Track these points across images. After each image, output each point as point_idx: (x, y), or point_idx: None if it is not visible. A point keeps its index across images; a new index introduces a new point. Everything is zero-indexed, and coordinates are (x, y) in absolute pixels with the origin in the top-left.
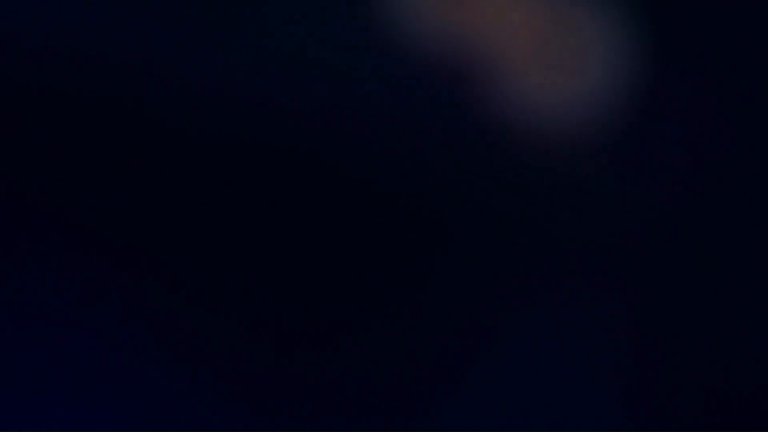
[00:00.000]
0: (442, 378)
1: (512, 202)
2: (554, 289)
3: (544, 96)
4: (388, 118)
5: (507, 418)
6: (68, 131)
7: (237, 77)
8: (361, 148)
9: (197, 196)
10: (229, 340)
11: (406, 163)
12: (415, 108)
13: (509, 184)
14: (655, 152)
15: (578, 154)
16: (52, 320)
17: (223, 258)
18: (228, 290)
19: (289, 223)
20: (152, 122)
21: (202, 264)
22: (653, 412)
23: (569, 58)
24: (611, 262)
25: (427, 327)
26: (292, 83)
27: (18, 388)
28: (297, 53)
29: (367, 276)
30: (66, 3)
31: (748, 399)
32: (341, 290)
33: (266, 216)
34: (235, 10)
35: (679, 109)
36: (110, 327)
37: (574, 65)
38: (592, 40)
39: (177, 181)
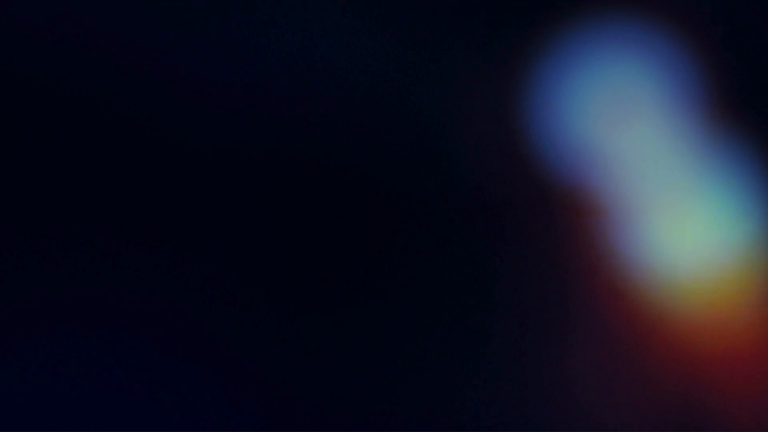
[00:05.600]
0: (440, 378)
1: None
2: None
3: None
4: (388, 119)
5: (506, 418)
6: (68, 130)
7: (242, 76)
8: (361, 151)
9: (197, 196)
10: (230, 342)
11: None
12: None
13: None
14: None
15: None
16: (52, 320)
17: (226, 256)
18: (228, 291)
19: (291, 225)
20: (151, 121)
21: (203, 263)
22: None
23: None
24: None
25: (426, 327)
26: (295, 84)
27: (18, 388)
28: (300, 54)
29: (368, 276)
30: (67, 2)
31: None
32: (341, 290)
33: (269, 217)
34: (237, 10)
35: None
36: (110, 327)
37: None
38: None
39: (176, 182)
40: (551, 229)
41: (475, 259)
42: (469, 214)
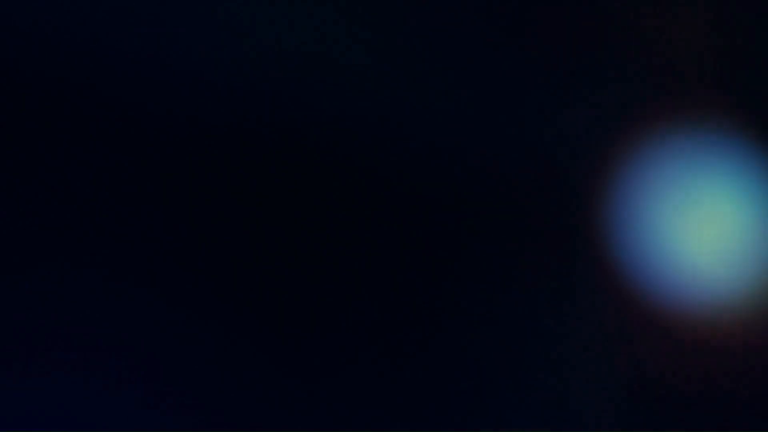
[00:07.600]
0: (442, 378)
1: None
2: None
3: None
4: (390, 117)
5: (507, 418)
6: (68, 128)
7: (246, 74)
8: (368, 146)
9: (196, 195)
10: (228, 340)
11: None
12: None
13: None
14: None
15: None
16: (52, 321)
17: (225, 255)
18: (229, 290)
19: (291, 224)
20: (150, 121)
21: (203, 261)
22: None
23: None
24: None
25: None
26: (296, 83)
27: (18, 388)
28: (301, 51)
29: (368, 276)
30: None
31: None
32: (339, 289)
33: (268, 216)
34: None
35: None
36: (110, 327)
37: None
38: None
39: (176, 181)
40: (557, 225)
41: (477, 257)
42: (470, 213)
